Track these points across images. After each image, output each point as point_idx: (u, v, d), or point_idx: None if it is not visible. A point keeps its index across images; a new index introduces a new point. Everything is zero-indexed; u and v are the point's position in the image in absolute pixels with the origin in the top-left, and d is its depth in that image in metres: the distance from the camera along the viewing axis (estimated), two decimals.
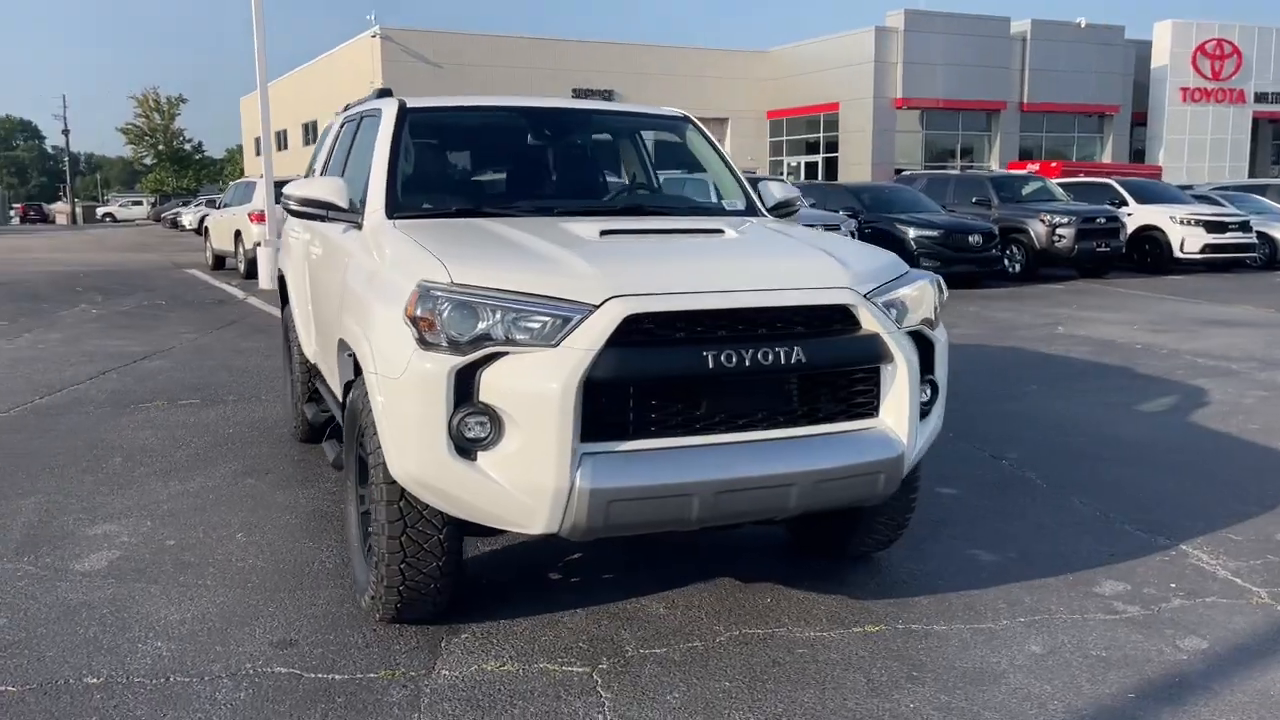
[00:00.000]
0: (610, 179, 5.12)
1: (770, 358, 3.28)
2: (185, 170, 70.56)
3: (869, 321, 3.45)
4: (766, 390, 3.40)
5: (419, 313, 3.20)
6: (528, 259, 3.47)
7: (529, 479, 3.14)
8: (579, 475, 3.12)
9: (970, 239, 16.62)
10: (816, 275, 3.51)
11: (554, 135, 5.06)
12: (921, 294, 3.74)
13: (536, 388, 3.10)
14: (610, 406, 3.22)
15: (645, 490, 3.19)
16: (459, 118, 5.03)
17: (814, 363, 3.36)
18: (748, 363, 3.25)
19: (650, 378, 3.22)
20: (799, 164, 42.14)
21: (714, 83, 41.14)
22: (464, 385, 3.16)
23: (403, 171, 4.52)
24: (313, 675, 3.38)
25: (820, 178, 39.41)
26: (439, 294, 3.20)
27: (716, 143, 5.13)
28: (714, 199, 5.13)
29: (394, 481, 3.37)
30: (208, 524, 4.90)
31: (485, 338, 3.16)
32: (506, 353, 3.15)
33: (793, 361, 3.31)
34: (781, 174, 41.64)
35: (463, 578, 3.76)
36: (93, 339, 11.18)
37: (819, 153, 41.55)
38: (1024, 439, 6.51)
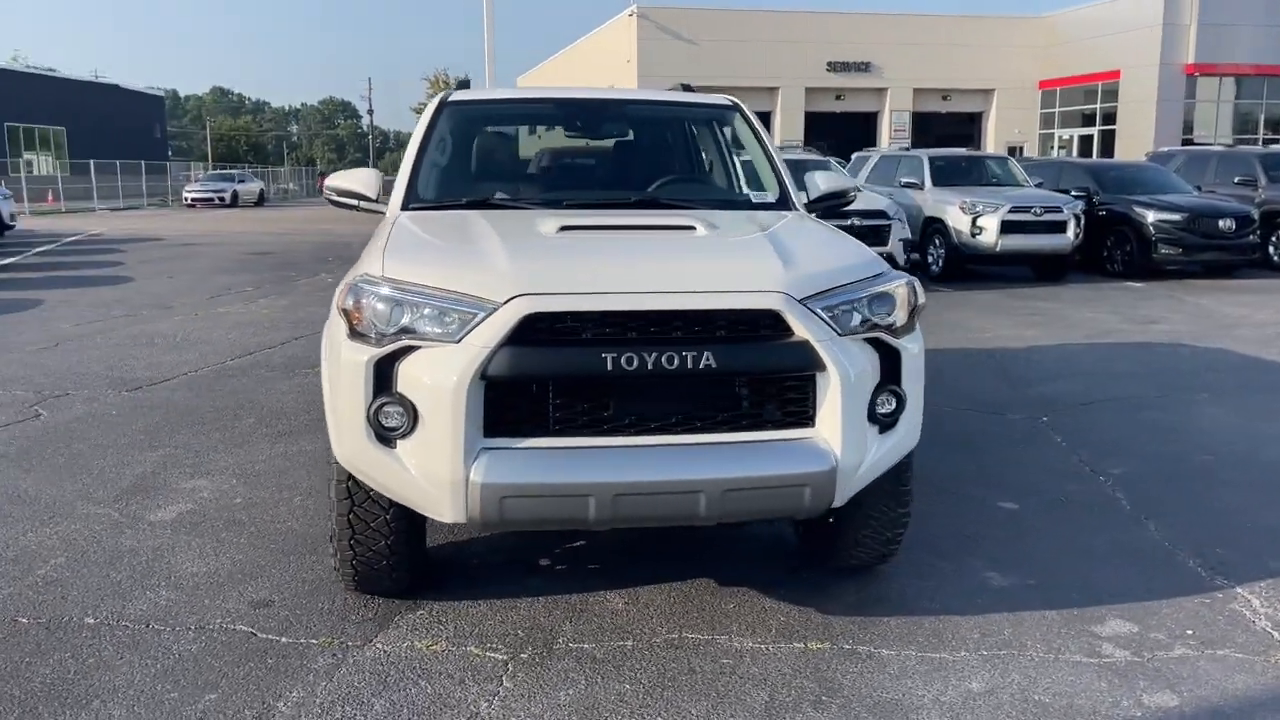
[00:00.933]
0: (639, 170, 5.10)
1: (675, 362, 3.21)
2: None
3: (799, 328, 3.30)
4: (681, 394, 3.33)
5: (348, 305, 3.38)
6: (459, 256, 3.57)
7: (432, 469, 3.26)
8: (473, 469, 3.20)
9: (1221, 224, 15.05)
10: (748, 278, 3.39)
11: (587, 127, 5.09)
12: (887, 298, 3.53)
13: (437, 381, 3.21)
14: (513, 404, 3.27)
15: (539, 488, 3.22)
16: (497, 110, 5.17)
17: (727, 368, 3.27)
18: (650, 366, 3.20)
19: (547, 377, 3.24)
20: (1071, 137, 39.33)
21: (979, 52, 39.05)
22: (383, 376, 3.31)
23: (435, 163, 4.72)
24: (263, 636, 3.67)
25: (1095, 153, 36.64)
26: (365, 287, 3.37)
27: (763, 132, 4.98)
28: (753, 191, 4.97)
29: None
30: (280, 486, 5.35)
31: (405, 331, 3.29)
32: (420, 346, 3.27)
33: (701, 367, 3.23)
34: (1051, 149, 39.09)
35: (421, 557, 3.93)
36: (309, 306, 12.25)
37: (1095, 125, 38.60)
38: (1142, 453, 5.92)
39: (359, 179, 4.60)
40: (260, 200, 49.00)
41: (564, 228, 3.85)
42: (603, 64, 35.55)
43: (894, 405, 3.56)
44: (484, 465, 3.21)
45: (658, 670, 3.43)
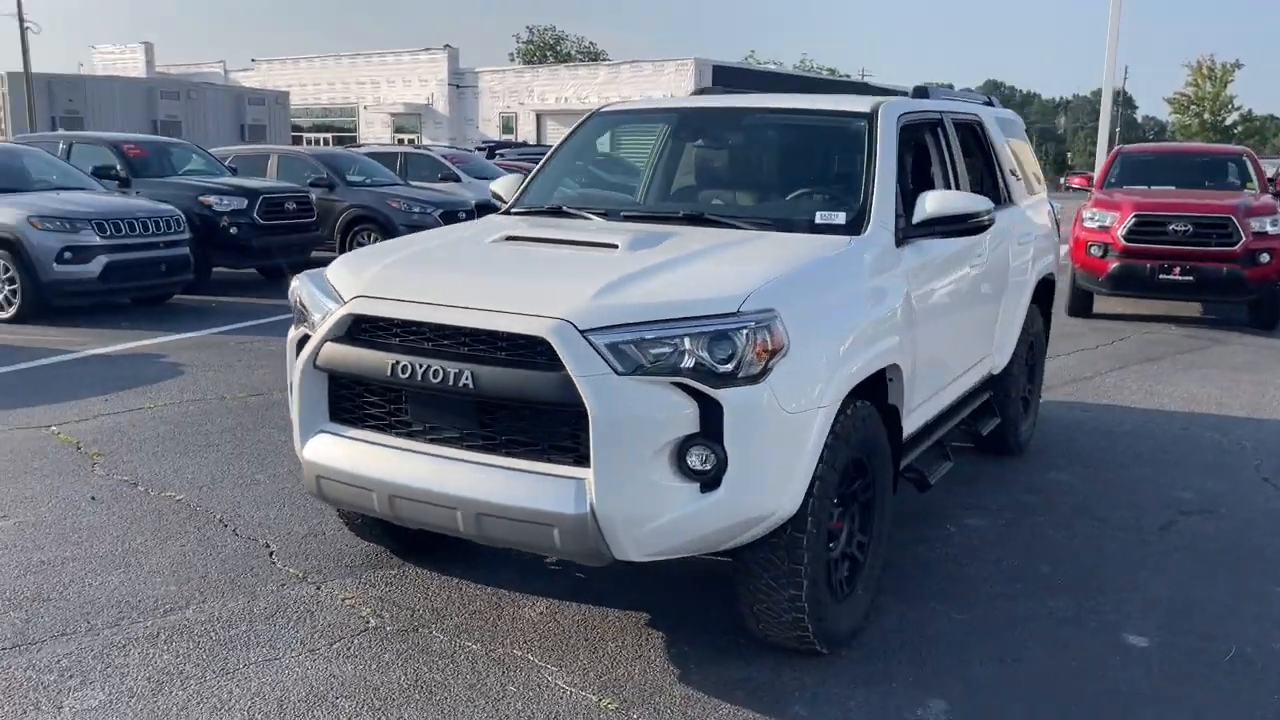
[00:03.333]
0: (726, 183, 4.79)
1: (439, 376, 3.27)
2: (1227, 141, 67.00)
3: (566, 360, 3.10)
4: (464, 411, 3.35)
5: (296, 294, 3.96)
6: (368, 257, 3.93)
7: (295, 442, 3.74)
8: (306, 447, 3.61)
9: None
10: (544, 302, 3.24)
11: (708, 139, 4.94)
12: (724, 341, 3.12)
13: (290, 364, 3.69)
14: (346, 395, 3.60)
15: (339, 474, 3.53)
16: (631, 119, 5.21)
17: (483, 390, 3.22)
18: (419, 377, 3.30)
19: (354, 375, 3.50)
20: None
21: None
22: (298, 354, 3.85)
23: (561, 168, 5.00)
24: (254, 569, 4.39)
25: None
26: (303, 279, 3.91)
27: (884, 143, 4.34)
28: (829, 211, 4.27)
29: None
30: None
31: (303, 319, 3.79)
32: (309, 334, 3.74)
33: (460, 385, 3.24)
34: None
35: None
36: None
37: None
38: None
39: (500, 184, 5.05)
40: None
41: (508, 238, 3.97)
42: None
43: (713, 462, 3.13)
44: (314, 445, 3.59)
45: (419, 673, 3.50)
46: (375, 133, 57.14)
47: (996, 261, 5.40)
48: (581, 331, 3.12)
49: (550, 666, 3.56)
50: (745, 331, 3.14)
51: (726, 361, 3.12)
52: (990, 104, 6.37)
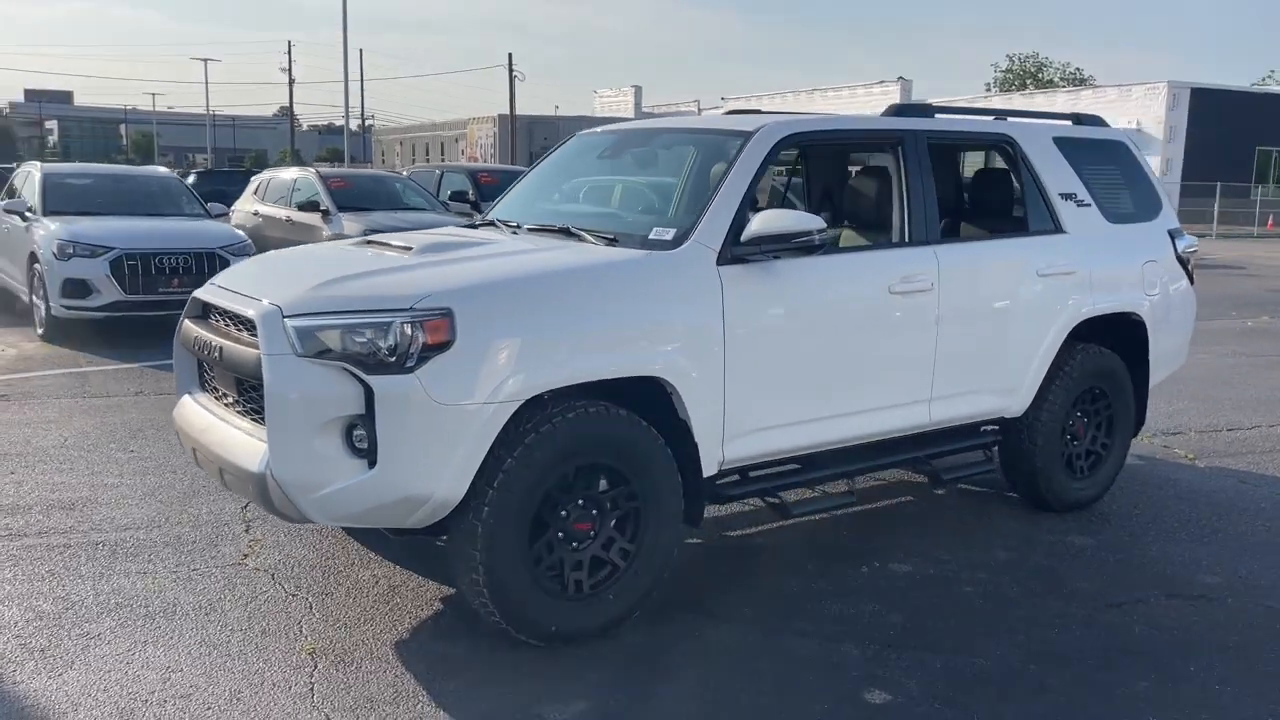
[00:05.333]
0: (602, 199, 5.09)
1: (208, 350, 3.97)
2: None
3: (260, 339, 3.62)
4: (224, 379, 4.02)
5: None
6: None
7: None
8: (175, 406, 4.46)
9: None
10: (275, 291, 3.79)
11: (611, 157, 5.22)
12: (384, 331, 3.50)
13: None
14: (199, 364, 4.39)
15: (178, 428, 4.34)
16: (594, 141, 5.46)
17: (224, 362, 3.89)
18: (203, 350, 4.03)
19: (182, 344, 4.29)
20: None
21: None
22: None
23: (529, 184, 5.45)
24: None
25: None
26: None
27: (736, 166, 4.29)
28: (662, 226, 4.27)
29: None
30: None
31: None
32: None
33: (218, 357, 3.92)
34: None
35: None
36: None
37: None
38: None
39: None
40: None
41: (367, 242, 4.54)
42: None
43: (368, 441, 3.52)
44: (177, 406, 4.43)
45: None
46: None
47: (982, 293, 4.99)
48: (284, 316, 3.63)
49: (314, 614, 4.09)
50: (400, 325, 3.48)
51: (381, 351, 3.48)
52: (1080, 122, 5.79)
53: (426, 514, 3.63)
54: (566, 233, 4.51)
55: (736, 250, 4.15)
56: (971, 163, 6.39)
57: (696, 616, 4.17)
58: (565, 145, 5.51)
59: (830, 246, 4.65)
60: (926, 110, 5.13)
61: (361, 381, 3.49)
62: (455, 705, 3.44)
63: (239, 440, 3.82)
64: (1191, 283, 6.06)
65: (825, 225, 4.21)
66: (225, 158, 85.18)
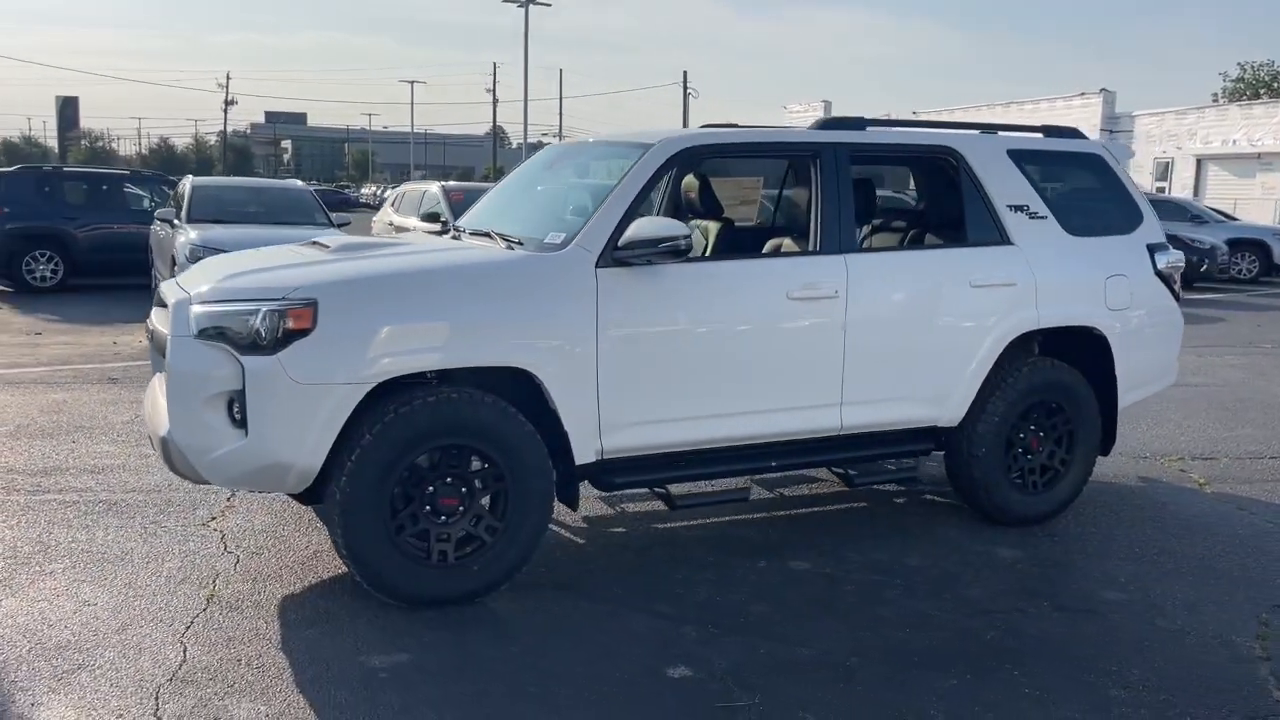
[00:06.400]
0: (528, 207, 5.46)
1: (153, 336, 4.60)
2: None
3: (170, 323, 4.21)
4: (159, 359, 4.60)
5: None
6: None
7: None
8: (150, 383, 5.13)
9: None
10: (196, 283, 4.38)
11: (551, 168, 5.47)
12: (246, 318, 4.02)
13: None
14: None
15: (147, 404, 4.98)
16: (557, 154, 5.81)
17: (157, 346, 4.46)
18: (152, 334, 4.65)
19: (146, 331, 4.94)
20: None
21: None
22: None
23: (497, 194, 5.89)
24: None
25: None
26: None
27: (629, 176, 4.58)
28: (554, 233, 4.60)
29: None
30: None
31: None
32: None
33: (157, 342, 4.52)
34: None
35: None
36: None
37: None
38: None
39: None
40: None
41: (313, 243, 5.08)
42: None
43: (242, 414, 4.04)
44: (151, 382, 5.09)
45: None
46: None
47: (899, 302, 5.09)
48: (190, 304, 4.21)
49: (236, 569, 4.65)
50: (267, 312, 3.99)
51: (250, 334, 4.00)
52: (1053, 135, 5.77)
53: (295, 480, 4.12)
54: (488, 236, 4.93)
55: (616, 254, 4.45)
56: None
57: (564, 594, 4.49)
58: (534, 157, 5.93)
59: (733, 254, 4.89)
60: (857, 123, 5.26)
61: (238, 361, 4.02)
62: (296, 648, 3.90)
63: (161, 411, 4.42)
64: (1177, 299, 5.89)
65: (689, 232, 4.47)
66: (436, 174, 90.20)
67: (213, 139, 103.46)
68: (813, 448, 5.08)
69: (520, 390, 4.36)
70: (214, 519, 5.30)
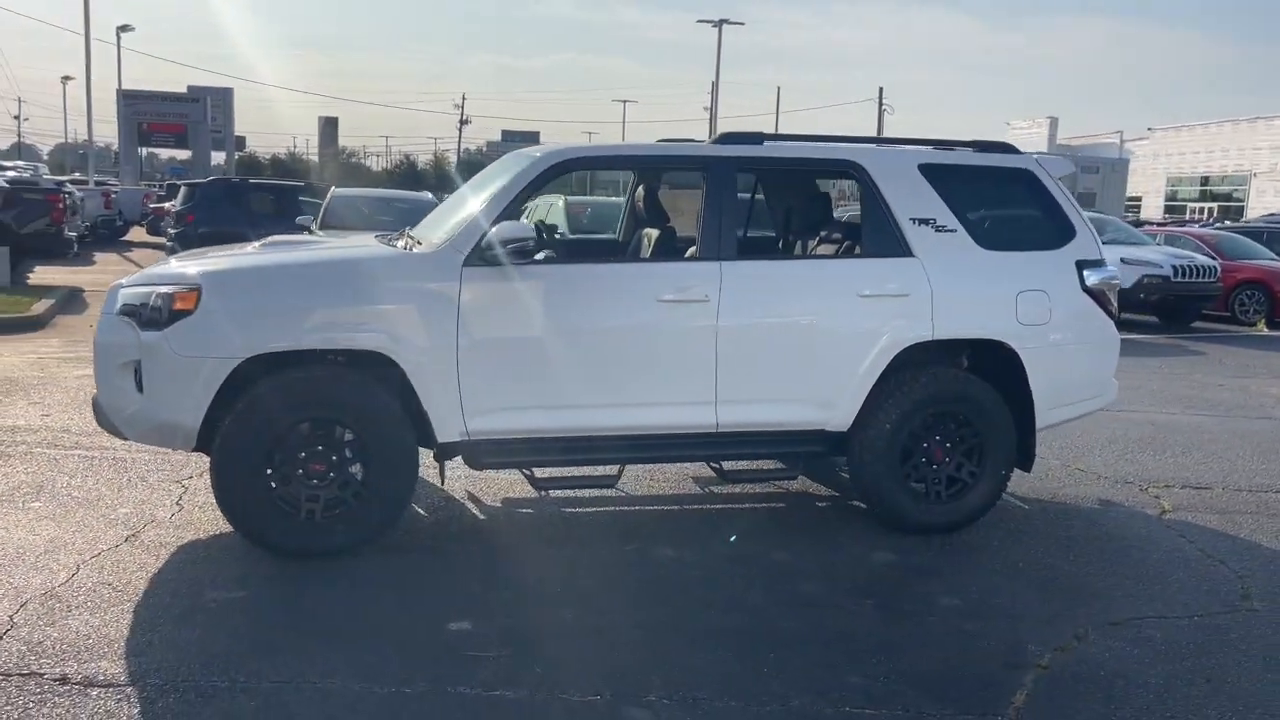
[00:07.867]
0: (449, 212, 5.73)
1: None
2: None
3: (105, 304, 5.04)
4: None
5: None
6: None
7: None
8: None
9: None
10: (156, 275, 5.17)
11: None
12: (157, 298, 4.76)
13: None
14: None
15: None
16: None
17: None
18: None
19: None
20: None
21: None
22: None
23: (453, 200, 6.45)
24: None
25: None
26: None
27: (505, 184, 5.03)
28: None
29: None
30: None
31: None
32: None
33: None
34: None
35: None
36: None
37: None
38: None
39: None
40: None
41: (270, 243, 5.80)
42: None
43: (141, 379, 4.80)
44: None
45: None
46: (1266, 203, 52.28)
47: (776, 308, 5.30)
48: (121, 287, 5.00)
49: (171, 516, 5.42)
50: (160, 294, 4.72)
51: (150, 313, 4.74)
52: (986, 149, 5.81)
53: (184, 439, 4.82)
54: (411, 238, 5.52)
55: (482, 254, 4.93)
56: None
57: (423, 555, 4.99)
58: (487, 167, 6.47)
59: (605, 258, 5.25)
60: (754, 138, 5.49)
61: (138, 334, 4.76)
62: (163, 579, 4.58)
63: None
64: (1111, 316, 5.76)
65: (534, 235, 4.89)
66: None
67: (452, 156, 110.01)
68: (692, 442, 5.36)
69: (398, 374, 4.90)
70: (190, 479, 6.12)
